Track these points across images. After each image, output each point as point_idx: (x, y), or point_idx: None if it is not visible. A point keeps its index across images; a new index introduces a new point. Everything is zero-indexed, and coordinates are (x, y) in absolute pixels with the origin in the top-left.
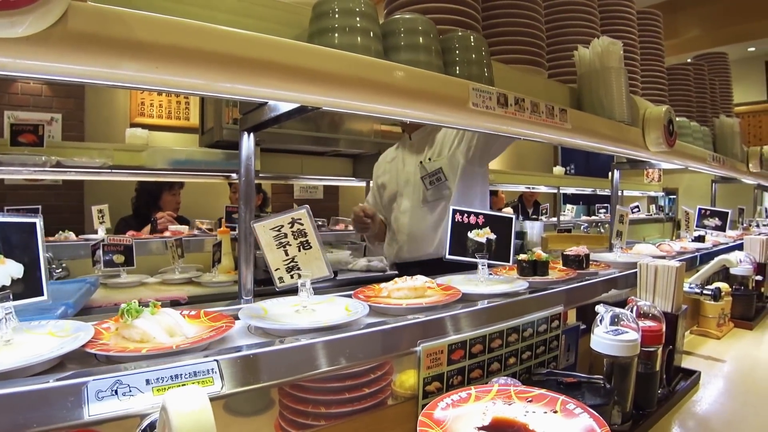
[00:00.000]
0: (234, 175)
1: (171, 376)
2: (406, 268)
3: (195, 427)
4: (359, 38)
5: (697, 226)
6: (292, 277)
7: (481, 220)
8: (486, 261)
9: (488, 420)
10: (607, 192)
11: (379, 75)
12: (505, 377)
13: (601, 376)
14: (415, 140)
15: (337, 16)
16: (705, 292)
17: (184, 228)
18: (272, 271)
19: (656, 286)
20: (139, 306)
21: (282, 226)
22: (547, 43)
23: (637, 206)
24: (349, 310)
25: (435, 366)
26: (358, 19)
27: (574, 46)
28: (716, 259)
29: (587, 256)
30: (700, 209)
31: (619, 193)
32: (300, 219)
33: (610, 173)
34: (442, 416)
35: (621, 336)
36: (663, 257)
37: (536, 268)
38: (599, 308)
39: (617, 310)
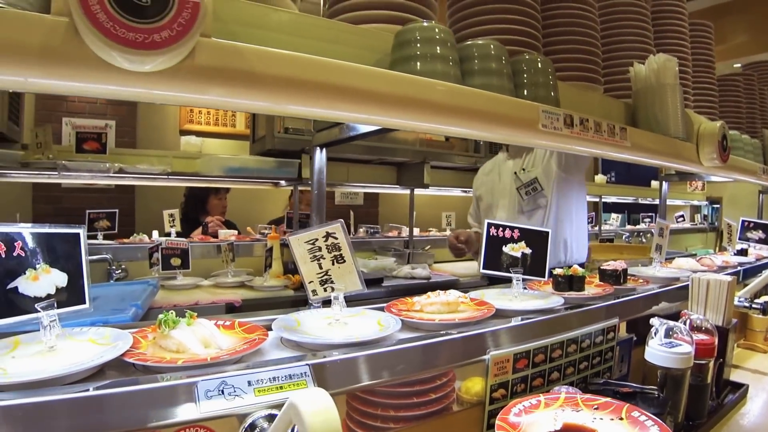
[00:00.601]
0: (283, 183)
1: (269, 378)
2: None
3: (325, 426)
4: (439, 65)
5: (739, 239)
6: (325, 290)
7: (516, 234)
8: (521, 276)
9: (559, 425)
10: (648, 201)
11: (457, 100)
12: (566, 386)
13: (655, 387)
14: (512, 151)
15: (419, 44)
16: (754, 305)
17: (233, 232)
18: (306, 283)
19: (708, 300)
20: (176, 317)
21: (317, 240)
22: (603, 58)
23: (682, 215)
24: (381, 325)
25: (501, 374)
26: (438, 47)
27: (628, 61)
28: (765, 272)
29: (625, 271)
30: (743, 221)
31: (658, 202)
32: (334, 233)
33: (657, 184)
34: (517, 421)
35: (675, 348)
36: (704, 272)
37: (572, 283)
38: (654, 321)
39: (671, 323)
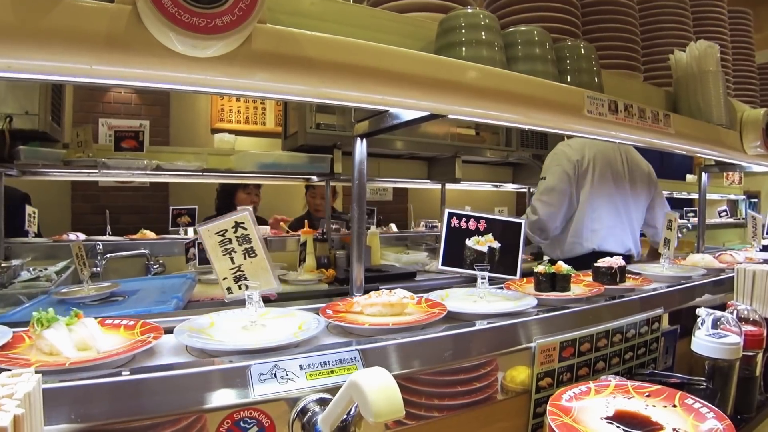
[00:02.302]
0: (315, 178)
1: (320, 363)
2: None
3: (388, 403)
4: (485, 51)
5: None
6: (239, 288)
7: (482, 225)
8: (486, 273)
9: (612, 412)
10: (683, 195)
11: (502, 85)
12: (613, 375)
13: (703, 378)
14: None
15: (464, 30)
16: None
17: (265, 228)
18: (220, 280)
19: (754, 291)
20: (54, 315)
21: (226, 231)
22: (642, 46)
23: (725, 210)
24: (300, 329)
25: (547, 362)
26: (483, 33)
27: (668, 48)
28: None
29: (622, 269)
30: None
31: (695, 196)
32: (243, 223)
33: (692, 177)
34: (569, 406)
35: (723, 339)
36: (722, 270)
37: (555, 282)
38: (700, 311)
39: (719, 313)
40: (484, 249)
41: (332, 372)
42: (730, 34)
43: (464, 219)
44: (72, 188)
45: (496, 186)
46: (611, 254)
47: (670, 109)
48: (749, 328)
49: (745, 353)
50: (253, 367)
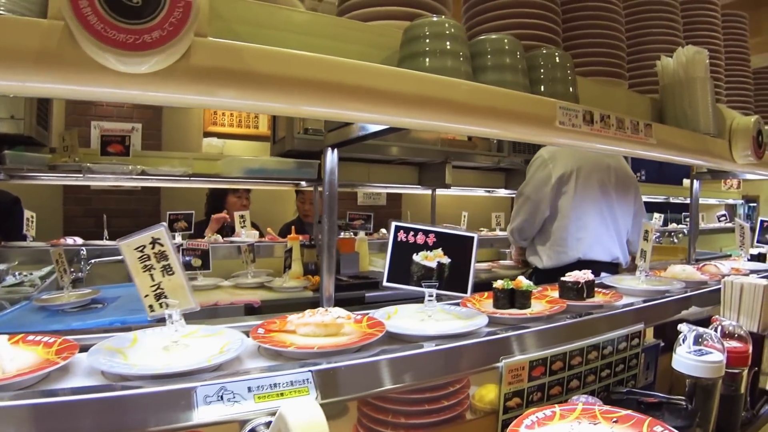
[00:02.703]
0: (304, 183)
1: (270, 385)
2: None
3: None
4: (449, 61)
5: (758, 242)
6: (161, 306)
7: (431, 239)
8: (434, 291)
9: None
10: (680, 200)
11: (467, 97)
12: (586, 395)
13: (683, 398)
14: None
15: (428, 40)
16: None
17: (254, 233)
18: (142, 298)
19: (741, 305)
20: None
21: (144, 246)
22: (628, 52)
23: (725, 215)
24: (221, 351)
25: (516, 382)
26: (448, 42)
27: (655, 55)
28: None
29: (590, 283)
30: (762, 221)
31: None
32: (159, 239)
33: (689, 182)
34: None
35: (705, 357)
36: (703, 282)
37: (514, 298)
38: (682, 327)
39: (701, 329)
40: (433, 264)
41: (282, 394)
42: (723, 39)
43: (412, 232)
44: (64, 191)
45: (488, 191)
46: (597, 263)
47: (656, 117)
48: (734, 344)
49: (729, 370)
50: (199, 389)
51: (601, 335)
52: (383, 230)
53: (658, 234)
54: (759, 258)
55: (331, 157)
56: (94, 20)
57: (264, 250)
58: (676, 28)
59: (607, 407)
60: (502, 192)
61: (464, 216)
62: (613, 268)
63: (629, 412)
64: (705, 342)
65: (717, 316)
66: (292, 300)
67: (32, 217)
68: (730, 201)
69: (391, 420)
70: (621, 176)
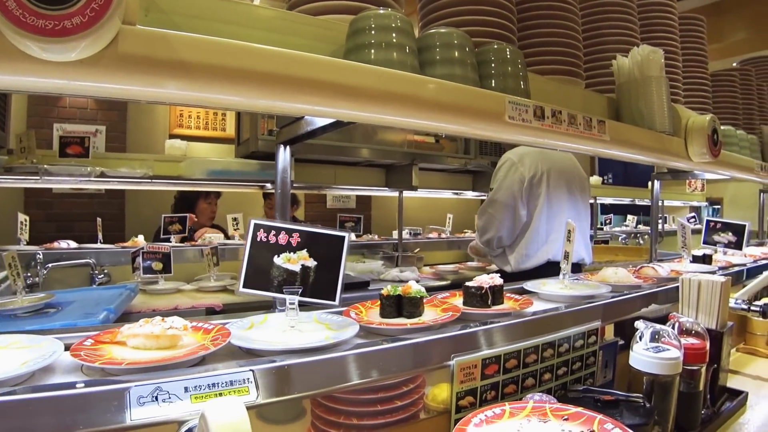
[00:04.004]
0: (269, 185)
1: (208, 385)
2: None
3: None
4: (395, 54)
5: (704, 243)
6: None
7: (296, 239)
8: (296, 298)
9: None
10: (645, 202)
11: (414, 89)
12: (540, 393)
13: (640, 395)
14: None
15: (373, 32)
16: (753, 308)
17: (219, 236)
18: None
19: (699, 302)
20: None
21: None
22: (585, 52)
23: (694, 216)
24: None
25: (468, 380)
26: (394, 35)
27: (612, 54)
28: (765, 273)
29: (496, 288)
30: (708, 222)
31: (660, 203)
32: None
33: (650, 183)
34: None
35: (662, 354)
36: (638, 286)
37: (401, 306)
38: (639, 324)
39: (658, 326)
40: (296, 268)
41: (221, 394)
42: (681, 41)
43: (273, 231)
44: (25, 195)
45: (456, 194)
46: None
47: (613, 116)
48: (692, 341)
49: (687, 367)
50: (132, 389)
51: (556, 332)
52: (352, 234)
53: (625, 236)
54: (704, 260)
55: (284, 155)
56: (12, 5)
57: (229, 253)
58: (633, 29)
59: (558, 405)
60: (470, 194)
61: (449, 218)
62: (577, 268)
63: (580, 409)
64: (662, 339)
65: (674, 313)
66: (254, 303)
67: (26, 220)
68: (695, 203)
69: (343, 421)
70: (581, 176)
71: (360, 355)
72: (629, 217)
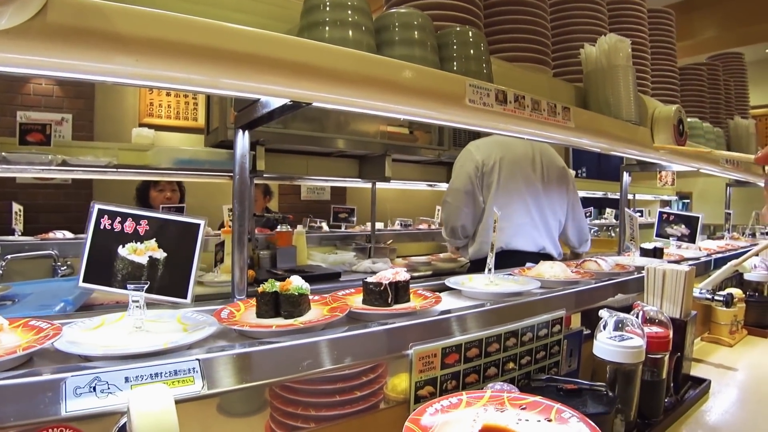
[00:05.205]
0: None
1: (151, 375)
2: None
3: (156, 428)
4: (350, 32)
5: (657, 235)
6: None
7: (144, 227)
8: (142, 294)
9: (478, 427)
10: (617, 195)
11: (369, 69)
12: (501, 383)
13: (603, 384)
14: None
15: (328, 9)
16: (716, 298)
17: None
18: None
19: (664, 291)
20: None
21: None
22: (553, 41)
23: (641, 211)
24: None
25: (428, 370)
26: (349, 12)
27: (581, 44)
28: (728, 264)
29: (399, 285)
30: (660, 213)
31: (630, 197)
32: None
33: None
34: (430, 422)
35: (625, 342)
36: (574, 282)
37: (278, 305)
38: (603, 313)
39: (622, 315)
40: (143, 260)
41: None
42: (650, 34)
43: (119, 218)
44: None
45: (430, 185)
46: (521, 252)
47: (580, 105)
48: (655, 329)
49: (650, 355)
50: (69, 380)
51: (519, 321)
52: (324, 224)
53: (597, 228)
54: (654, 253)
55: (242, 141)
56: None
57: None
58: (602, 19)
59: (516, 394)
60: (444, 186)
61: (438, 210)
62: (542, 258)
63: (538, 398)
64: (626, 328)
65: (639, 302)
66: (222, 294)
67: (20, 210)
68: (665, 197)
69: (300, 413)
70: (551, 168)
71: (315, 344)
72: (608, 210)
